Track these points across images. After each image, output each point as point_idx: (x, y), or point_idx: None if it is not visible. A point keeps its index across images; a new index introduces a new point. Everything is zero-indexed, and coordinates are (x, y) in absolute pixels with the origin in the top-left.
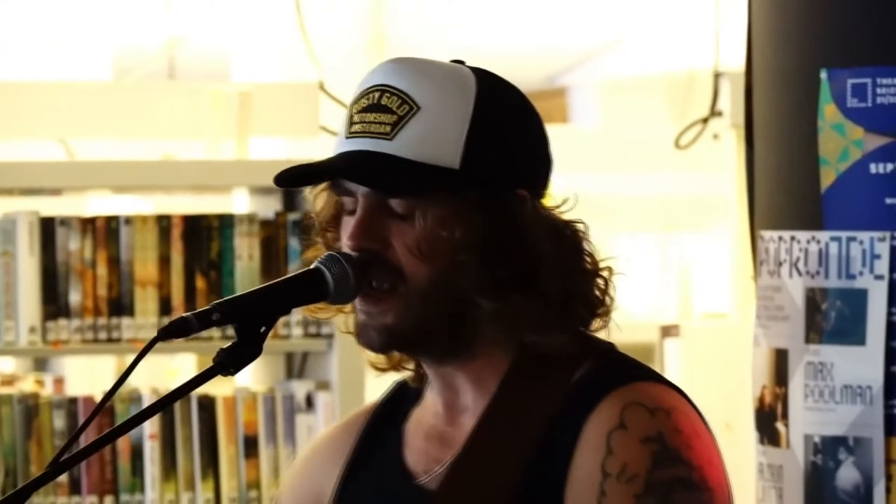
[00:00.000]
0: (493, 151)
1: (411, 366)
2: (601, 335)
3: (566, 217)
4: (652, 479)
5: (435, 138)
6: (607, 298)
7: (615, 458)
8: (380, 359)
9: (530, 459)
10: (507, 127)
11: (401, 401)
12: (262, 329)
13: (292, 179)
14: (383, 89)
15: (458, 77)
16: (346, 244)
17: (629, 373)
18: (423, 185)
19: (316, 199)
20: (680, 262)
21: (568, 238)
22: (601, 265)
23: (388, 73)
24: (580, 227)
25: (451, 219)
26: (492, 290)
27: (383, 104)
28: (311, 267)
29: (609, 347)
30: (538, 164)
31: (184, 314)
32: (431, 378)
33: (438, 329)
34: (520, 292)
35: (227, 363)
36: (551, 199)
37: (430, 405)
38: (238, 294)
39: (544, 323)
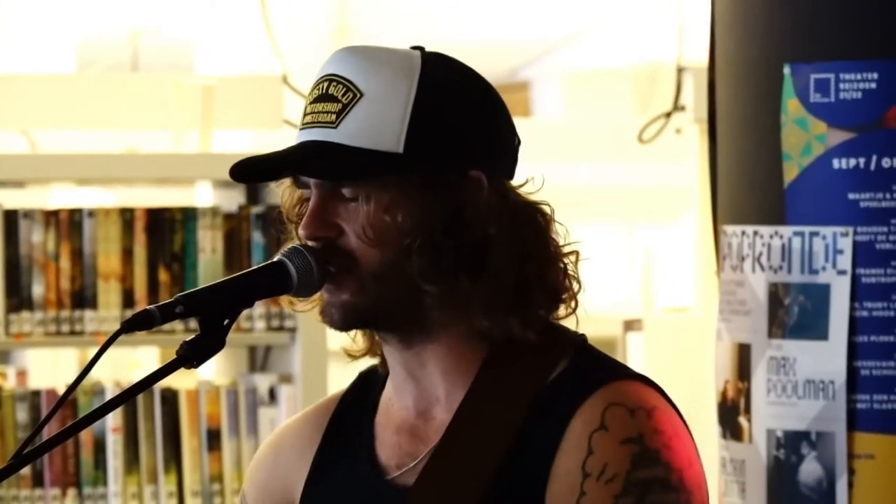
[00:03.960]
0: (437, 134)
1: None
2: (569, 324)
3: (533, 199)
4: (630, 479)
5: (377, 123)
6: (573, 283)
7: (595, 459)
8: (353, 345)
9: (507, 457)
10: (453, 109)
11: (366, 391)
12: (226, 322)
13: (246, 174)
14: (331, 79)
15: (403, 62)
16: (301, 234)
17: (609, 371)
18: (365, 170)
19: (283, 192)
20: (642, 256)
21: (527, 221)
22: (566, 250)
23: (337, 63)
24: (545, 209)
25: (395, 203)
26: (437, 275)
27: (330, 93)
28: (275, 259)
29: (581, 340)
30: (495, 146)
31: (147, 307)
32: (396, 368)
33: (396, 310)
34: (469, 276)
35: (191, 356)
36: (516, 181)
37: (395, 398)
38: (202, 287)
39: (495, 308)
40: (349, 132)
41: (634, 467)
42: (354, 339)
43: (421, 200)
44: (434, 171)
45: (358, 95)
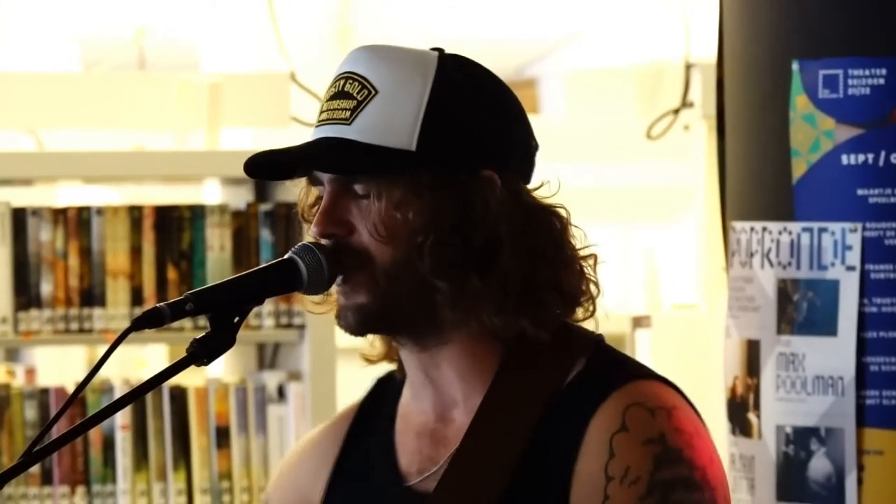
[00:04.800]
0: (451, 133)
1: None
2: (585, 324)
3: (549, 203)
4: (654, 480)
5: (391, 121)
6: (590, 287)
7: (618, 462)
8: (371, 350)
9: (526, 460)
10: (468, 109)
11: (384, 398)
12: (236, 319)
13: (260, 170)
14: (347, 76)
15: (419, 61)
16: (313, 231)
17: (627, 371)
18: (377, 167)
19: (300, 192)
20: (649, 253)
21: (540, 223)
22: (582, 253)
23: (354, 61)
24: (562, 213)
25: (406, 200)
26: (447, 272)
27: (346, 90)
28: (285, 257)
29: (598, 340)
30: (508, 146)
31: (157, 304)
32: (413, 372)
33: (408, 309)
34: (479, 275)
35: (201, 353)
36: (533, 182)
37: (413, 402)
38: (212, 284)
39: (505, 307)
40: (363, 129)
41: (657, 468)
42: (372, 343)
43: (432, 198)
44: (446, 169)
45: (373, 93)
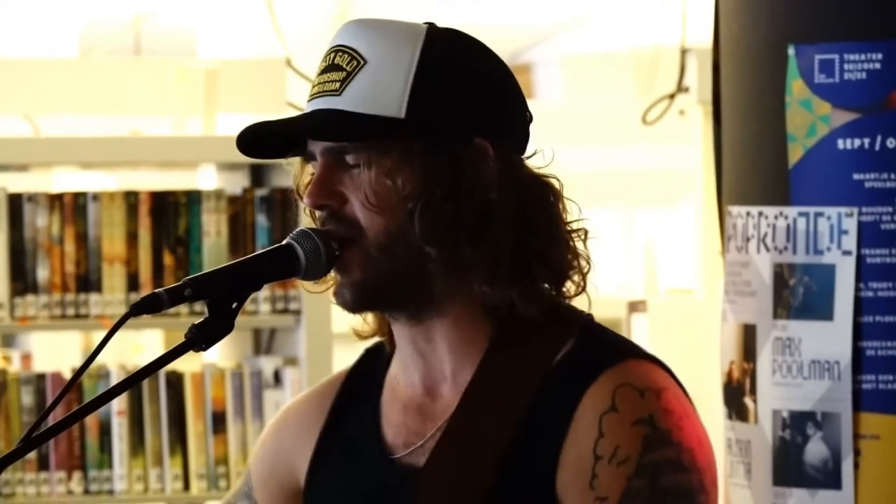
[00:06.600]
0: (441, 100)
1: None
2: (578, 303)
3: (542, 173)
4: (643, 461)
5: (380, 89)
6: (580, 261)
7: (607, 441)
8: (363, 325)
9: (517, 438)
10: (457, 77)
11: (373, 369)
12: (234, 305)
13: (253, 148)
14: (337, 49)
15: (408, 31)
16: (305, 202)
17: (617, 351)
18: (367, 134)
19: (294, 170)
20: (645, 238)
21: (533, 193)
22: (573, 227)
23: (343, 34)
24: (554, 184)
25: (396, 168)
26: (438, 239)
27: (336, 63)
28: (283, 243)
29: (588, 319)
30: (500, 114)
31: (155, 290)
32: (404, 345)
33: (402, 281)
34: (470, 242)
35: (199, 339)
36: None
37: (401, 375)
38: (210, 270)
39: (497, 276)
40: (352, 98)
41: (646, 449)
42: (365, 319)
43: (422, 166)
44: (437, 137)
45: (362, 63)
